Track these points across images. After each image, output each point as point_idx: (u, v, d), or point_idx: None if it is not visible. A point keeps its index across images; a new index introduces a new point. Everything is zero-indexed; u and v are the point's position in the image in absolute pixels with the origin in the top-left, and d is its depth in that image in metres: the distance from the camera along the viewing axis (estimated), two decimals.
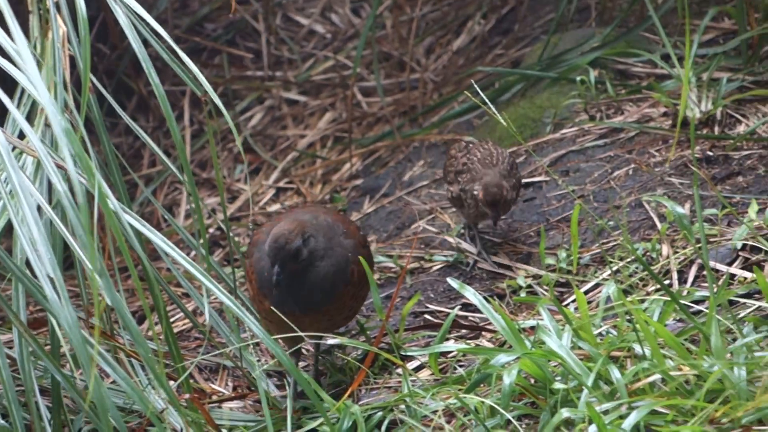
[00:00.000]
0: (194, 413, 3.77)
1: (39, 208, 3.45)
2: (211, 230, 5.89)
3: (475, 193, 4.73)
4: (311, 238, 4.02)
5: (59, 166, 3.33)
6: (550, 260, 4.74)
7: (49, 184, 3.64)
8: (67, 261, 4.28)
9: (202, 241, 4.06)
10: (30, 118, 3.92)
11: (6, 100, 3.56)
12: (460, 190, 4.84)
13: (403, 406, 3.82)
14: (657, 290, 4.29)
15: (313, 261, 4.03)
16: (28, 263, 3.42)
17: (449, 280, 4.14)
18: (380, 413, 3.85)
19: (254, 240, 4.21)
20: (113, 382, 3.57)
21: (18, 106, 3.93)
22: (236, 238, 5.79)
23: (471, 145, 4.92)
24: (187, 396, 3.78)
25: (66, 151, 3.02)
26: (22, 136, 3.72)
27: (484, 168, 4.79)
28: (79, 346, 3.06)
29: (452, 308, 4.45)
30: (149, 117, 6.66)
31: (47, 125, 3.78)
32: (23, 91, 3.93)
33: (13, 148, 3.63)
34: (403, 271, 4.70)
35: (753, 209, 4.59)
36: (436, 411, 3.73)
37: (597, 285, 4.56)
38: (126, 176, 4.26)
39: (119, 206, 3.46)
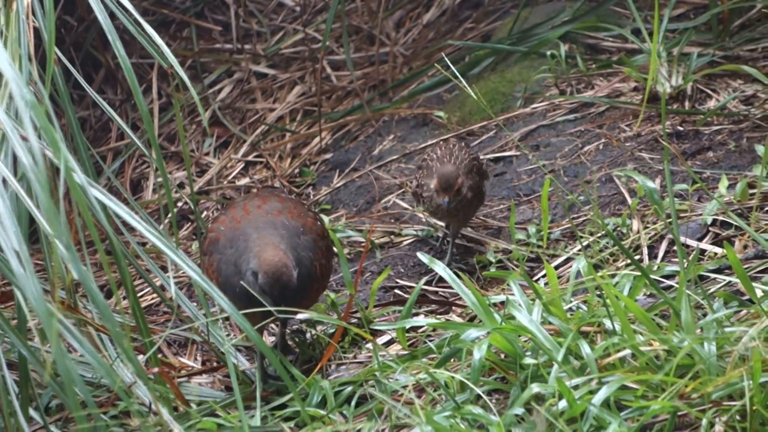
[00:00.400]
0: (163, 387, 3.74)
1: (4, 181, 3.41)
2: (179, 204, 5.85)
3: (432, 186, 4.66)
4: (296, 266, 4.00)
5: (24, 139, 3.29)
6: (521, 235, 4.73)
7: (15, 156, 3.59)
8: (33, 235, 4.24)
9: (170, 215, 4.02)
10: None
11: None
12: (416, 186, 4.79)
13: (373, 381, 3.80)
14: (627, 265, 4.29)
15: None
16: None
17: (419, 254, 4.12)
18: (350, 388, 3.84)
19: (211, 238, 4.14)
20: (81, 356, 3.54)
21: None
22: (205, 212, 5.75)
23: (440, 143, 4.90)
24: (155, 370, 3.76)
25: (27, 122, 2.98)
26: None
27: (441, 164, 4.72)
28: (44, 320, 3.02)
29: (423, 283, 4.43)
30: (117, 89, 6.60)
31: (12, 97, 3.73)
32: None
33: None
34: (366, 245, 4.67)
35: (723, 184, 4.59)
36: (406, 386, 3.72)
37: (567, 260, 4.56)
38: (95, 149, 4.22)
39: (85, 180, 3.42)
